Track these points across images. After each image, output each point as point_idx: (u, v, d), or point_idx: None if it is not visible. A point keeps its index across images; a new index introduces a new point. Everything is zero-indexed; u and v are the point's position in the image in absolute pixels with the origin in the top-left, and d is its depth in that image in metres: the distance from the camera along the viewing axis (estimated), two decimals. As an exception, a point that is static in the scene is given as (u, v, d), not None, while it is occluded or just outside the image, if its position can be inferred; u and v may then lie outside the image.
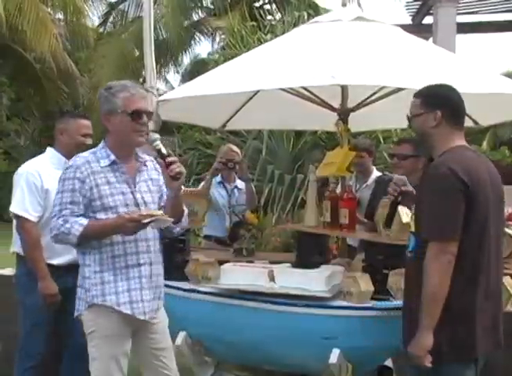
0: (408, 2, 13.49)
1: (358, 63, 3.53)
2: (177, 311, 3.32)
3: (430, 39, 11.07)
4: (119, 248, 2.77)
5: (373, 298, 3.24)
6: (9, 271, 4.54)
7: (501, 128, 14.10)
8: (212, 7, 17.31)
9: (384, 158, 7.87)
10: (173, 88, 16.55)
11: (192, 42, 17.66)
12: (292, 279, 3.40)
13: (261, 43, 7.87)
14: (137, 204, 2.83)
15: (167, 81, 19.63)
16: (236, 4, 15.90)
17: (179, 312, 3.41)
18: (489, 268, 2.56)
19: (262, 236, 6.43)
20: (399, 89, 3.82)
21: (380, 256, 3.38)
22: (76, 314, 2.86)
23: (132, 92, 2.81)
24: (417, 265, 2.54)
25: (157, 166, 2.97)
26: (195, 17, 17.57)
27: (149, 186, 2.92)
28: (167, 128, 7.66)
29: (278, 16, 15.61)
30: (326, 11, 10.88)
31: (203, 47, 28.01)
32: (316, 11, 13.09)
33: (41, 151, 3.87)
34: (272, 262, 3.77)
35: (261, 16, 13.01)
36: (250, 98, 4.77)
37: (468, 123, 4.30)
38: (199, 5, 17.69)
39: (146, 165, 2.95)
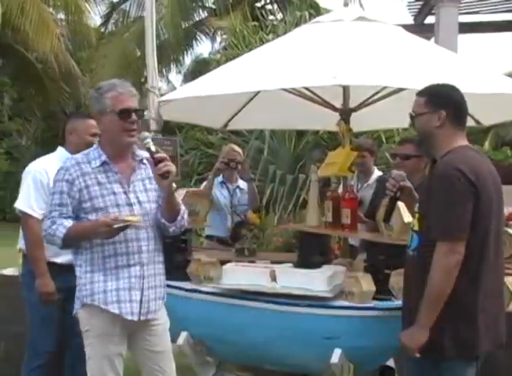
0: (410, 2, 13.49)
1: (359, 63, 3.53)
2: (179, 311, 3.33)
3: (432, 39, 11.06)
4: (109, 249, 2.76)
5: (374, 298, 3.23)
6: (11, 271, 4.55)
7: (503, 129, 14.08)
8: (214, 7, 17.31)
9: (386, 158, 7.87)
10: (175, 88, 16.55)
11: (194, 42, 17.68)
12: (294, 279, 3.39)
13: (263, 43, 7.86)
14: (130, 204, 2.80)
15: (168, 81, 19.66)
16: (237, 4, 15.91)
17: (181, 312, 3.41)
18: (491, 267, 2.58)
19: (264, 236, 6.41)
20: (401, 89, 3.82)
21: (382, 256, 3.38)
22: (74, 313, 2.87)
23: (120, 90, 2.78)
24: (420, 264, 2.56)
25: None
26: (197, 17, 17.59)
27: (146, 184, 2.87)
28: (168, 128, 7.65)
29: (279, 16, 15.64)
30: (328, 11, 10.90)
31: (204, 47, 27.93)
32: (318, 11, 13.10)
33: (43, 151, 3.89)
34: (273, 262, 3.76)
35: (262, 16, 13.03)
36: (252, 98, 4.76)
37: (470, 123, 4.30)
38: (200, 4, 17.69)
39: (144, 163, 2.91)
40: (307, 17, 10.92)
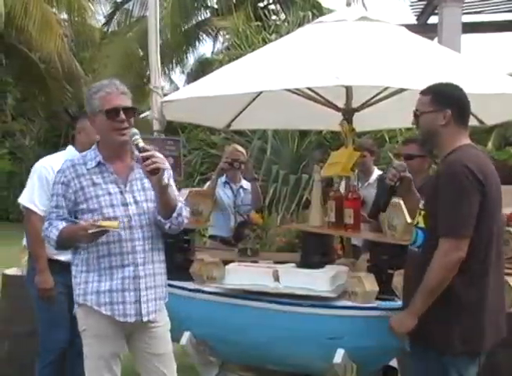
0: (413, 2, 13.45)
1: (362, 64, 3.53)
2: (182, 311, 3.33)
3: (435, 39, 11.03)
4: (103, 249, 2.75)
5: (377, 298, 3.23)
6: (13, 271, 4.55)
7: (506, 129, 14.05)
8: (216, 7, 17.32)
9: (389, 158, 7.86)
10: (178, 88, 16.55)
11: (197, 42, 17.69)
12: (297, 279, 3.39)
13: (266, 43, 7.88)
14: (125, 204, 2.78)
15: (171, 82, 19.64)
16: (240, 4, 15.92)
17: (184, 312, 3.41)
18: (494, 265, 2.59)
19: (267, 236, 6.43)
20: (404, 89, 3.82)
21: (385, 256, 3.37)
22: (73, 312, 2.88)
23: (107, 90, 2.77)
24: (425, 260, 2.56)
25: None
26: (199, 17, 17.59)
27: (145, 183, 2.84)
28: (171, 128, 7.66)
29: (282, 16, 15.64)
30: (331, 11, 10.90)
31: (207, 47, 27.96)
32: (320, 11, 13.11)
33: (46, 151, 3.91)
34: (276, 262, 3.76)
35: (265, 16, 13.05)
36: (255, 98, 4.77)
37: (473, 122, 4.30)
38: (203, 4, 17.70)
39: None
40: (310, 17, 10.94)
